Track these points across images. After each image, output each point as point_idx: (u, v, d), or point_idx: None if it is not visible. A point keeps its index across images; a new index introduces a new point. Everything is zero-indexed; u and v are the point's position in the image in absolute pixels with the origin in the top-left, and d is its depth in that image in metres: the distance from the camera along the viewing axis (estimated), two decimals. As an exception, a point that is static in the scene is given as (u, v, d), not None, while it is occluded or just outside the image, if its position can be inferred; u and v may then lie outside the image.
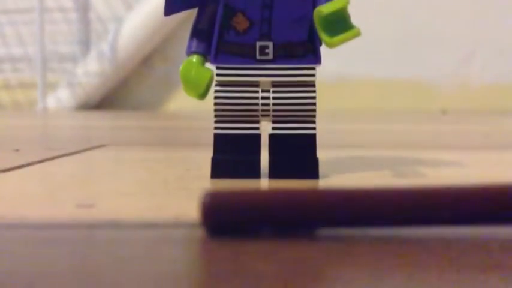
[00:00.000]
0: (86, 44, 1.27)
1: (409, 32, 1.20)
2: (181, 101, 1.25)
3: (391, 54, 1.21)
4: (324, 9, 0.20)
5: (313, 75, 0.22)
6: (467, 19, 1.20)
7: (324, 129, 0.46)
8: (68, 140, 0.46)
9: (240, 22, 0.22)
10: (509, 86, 1.21)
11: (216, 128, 0.23)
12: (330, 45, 0.21)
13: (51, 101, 1.21)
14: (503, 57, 1.21)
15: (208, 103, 0.24)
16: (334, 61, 1.08)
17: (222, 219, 0.14)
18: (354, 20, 0.21)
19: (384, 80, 1.22)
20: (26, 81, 1.28)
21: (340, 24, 0.21)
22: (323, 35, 0.21)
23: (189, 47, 0.23)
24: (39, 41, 1.18)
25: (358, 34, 0.20)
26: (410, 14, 1.20)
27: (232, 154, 0.22)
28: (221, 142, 0.22)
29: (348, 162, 0.29)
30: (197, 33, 0.22)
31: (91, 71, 1.20)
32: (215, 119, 0.23)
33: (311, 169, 0.22)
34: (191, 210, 0.16)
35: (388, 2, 1.19)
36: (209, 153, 0.23)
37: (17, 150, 0.33)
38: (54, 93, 1.22)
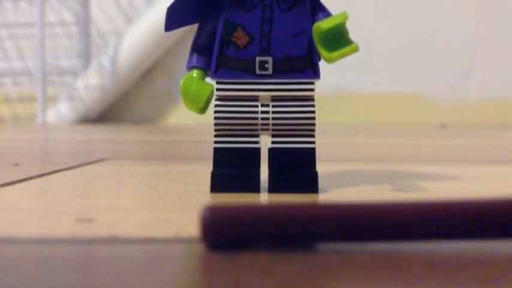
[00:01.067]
0: (86, 57, 1.27)
1: (407, 47, 1.21)
2: (181, 115, 1.25)
3: (390, 68, 1.21)
4: (322, 24, 0.21)
5: (312, 90, 0.22)
6: (466, 34, 1.21)
7: (324, 143, 0.46)
8: (67, 154, 0.46)
9: (240, 37, 0.22)
10: (507, 100, 1.22)
11: (215, 142, 0.23)
12: (329, 61, 0.21)
13: (51, 115, 1.21)
14: (501, 72, 1.22)
15: (208, 117, 0.24)
16: (333, 75, 1.09)
17: (222, 234, 0.14)
18: (352, 35, 0.21)
19: (383, 94, 1.22)
20: (26, 95, 1.29)
21: (339, 39, 0.21)
22: (322, 50, 0.21)
23: (190, 61, 0.23)
24: (40, 54, 1.19)
25: (356, 49, 0.21)
26: (409, 29, 1.21)
27: (232, 168, 0.22)
28: (221, 156, 0.23)
29: (347, 176, 0.29)
30: (197, 48, 0.23)
31: (91, 85, 1.20)
32: (215, 133, 0.23)
33: (310, 183, 0.22)
34: (191, 225, 0.16)
35: (387, 18, 1.20)
36: (209, 167, 0.23)
37: (17, 164, 0.33)
38: (54, 106, 1.22)
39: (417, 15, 1.21)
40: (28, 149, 0.51)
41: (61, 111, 1.21)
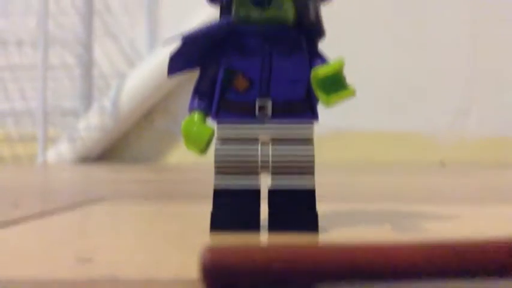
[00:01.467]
0: (88, 99, 1.29)
1: (405, 85, 1.23)
2: (181, 154, 1.26)
3: (388, 106, 1.23)
4: (320, 70, 0.21)
5: (311, 131, 0.23)
6: (462, 73, 1.23)
7: (323, 182, 0.46)
8: (67, 194, 0.46)
9: (241, 82, 0.23)
10: (505, 139, 1.23)
11: (215, 182, 0.23)
12: (327, 105, 0.22)
13: (51, 155, 1.22)
14: (499, 110, 1.23)
15: (208, 156, 0.24)
16: (331, 113, 1.10)
17: (223, 276, 0.14)
18: (350, 73, 0.22)
19: (382, 132, 1.23)
20: (27, 135, 1.29)
21: (336, 84, 0.21)
22: (320, 95, 0.22)
23: (191, 104, 0.23)
24: (42, 96, 1.21)
25: (353, 94, 0.21)
26: (406, 68, 1.23)
27: (231, 208, 0.23)
28: (220, 196, 0.23)
29: (347, 216, 0.29)
30: (199, 91, 0.23)
31: (92, 126, 1.21)
32: (215, 174, 0.23)
33: (311, 223, 0.22)
34: (191, 266, 0.16)
35: (384, 57, 1.23)
36: (209, 207, 0.23)
37: (17, 204, 0.33)
38: (54, 146, 1.23)
39: (413, 55, 1.23)
40: (28, 188, 0.51)
41: (61, 151, 1.22)
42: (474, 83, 1.23)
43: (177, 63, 0.23)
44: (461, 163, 1.15)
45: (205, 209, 0.23)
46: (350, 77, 0.22)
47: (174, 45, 0.22)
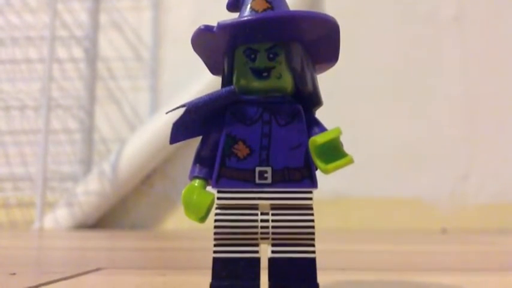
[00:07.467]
0: (87, 163, 1.30)
1: (405, 153, 1.24)
2: (179, 220, 1.24)
3: (389, 173, 1.23)
4: (318, 139, 0.22)
5: (310, 199, 0.23)
6: (461, 140, 1.25)
7: (324, 250, 0.45)
8: (64, 263, 0.45)
9: (241, 149, 0.23)
10: (505, 205, 1.22)
11: (215, 251, 0.23)
12: (325, 172, 0.22)
13: (49, 220, 1.20)
14: (497, 177, 1.24)
15: (205, 223, 0.24)
16: (333, 179, 1.11)
17: None
18: (352, 140, 0.22)
19: (383, 198, 1.23)
20: (25, 200, 1.29)
21: (334, 152, 0.22)
22: (318, 163, 0.22)
23: (192, 171, 0.24)
24: (42, 160, 1.21)
25: (351, 161, 0.22)
26: (406, 135, 1.25)
27: (231, 279, 0.22)
28: (220, 266, 0.22)
29: (348, 287, 0.29)
30: (200, 159, 0.24)
31: (91, 190, 1.21)
32: (215, 242, 0.23)
33: (312, 294, 0.22)
34: None
35: (385, 124, 1.25)
36: (207, 278, 0.22)
37: (14, 273, 0.32)
38: (52, 212, 1.22)
39: (413, 122, 1.25)
40: (25, 257, 0.50)
41: (58, 217, 1.20)
42: (472, 150, 1.25)
43: (180, 131, 0.23)
44: (462, 230, 1.13)
45: (204, 280, 0.23)
46: (351, 144, 0.22)
47: (177, 113, 0.23)
